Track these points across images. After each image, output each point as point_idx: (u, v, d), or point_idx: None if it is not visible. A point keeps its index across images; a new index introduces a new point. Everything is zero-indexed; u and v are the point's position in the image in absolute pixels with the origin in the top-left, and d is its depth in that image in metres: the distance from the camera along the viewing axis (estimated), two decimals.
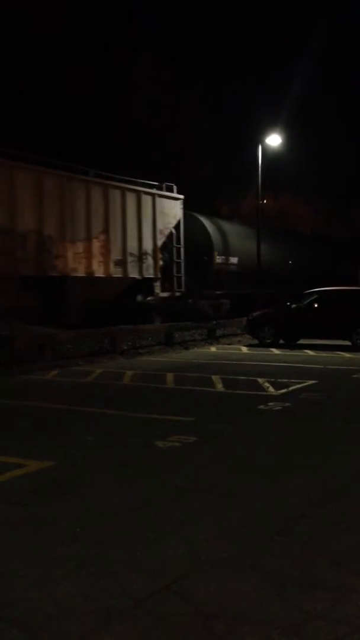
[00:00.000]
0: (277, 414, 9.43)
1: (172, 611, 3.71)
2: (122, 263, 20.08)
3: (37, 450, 7.24)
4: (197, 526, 4.99)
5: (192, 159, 39.99)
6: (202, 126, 40.64)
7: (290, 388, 11.56)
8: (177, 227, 22.77)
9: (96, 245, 18.98)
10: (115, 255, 19.77)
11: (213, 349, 19.47)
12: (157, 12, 47.62)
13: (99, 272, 19.17)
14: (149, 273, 21.31)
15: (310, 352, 17.54)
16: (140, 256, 20.82)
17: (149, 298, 21.37)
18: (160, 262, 21.91)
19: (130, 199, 20.41)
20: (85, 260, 18.65)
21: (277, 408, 9.80)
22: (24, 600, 3.86)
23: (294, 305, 19.25)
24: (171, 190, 22.61)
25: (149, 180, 21.77)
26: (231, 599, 3.85)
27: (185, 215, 23.51)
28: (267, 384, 11.91)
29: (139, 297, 21.03)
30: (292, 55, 70.76)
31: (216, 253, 25.60)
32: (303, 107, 48.44)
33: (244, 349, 18.99)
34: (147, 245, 21.18)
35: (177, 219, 22.76)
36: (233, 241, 27.22)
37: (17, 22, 31.96)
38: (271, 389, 11.46)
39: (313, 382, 12.26)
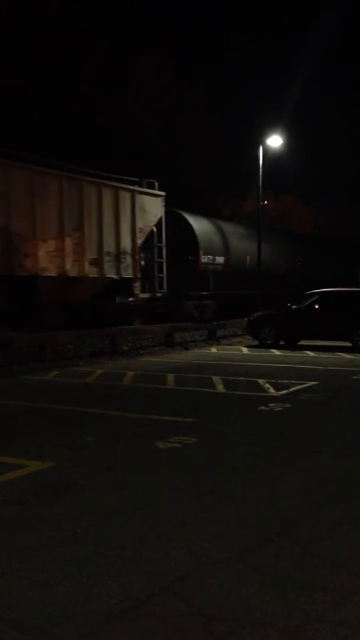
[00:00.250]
0: (277, 415, 9.42)
1: (173, 612, 3.70)
2: (98, 262, 19.03)
3: (37, 451, 7.24)
4: (197, 527, 4.98)
5: (193, 159, 40.01)
6: (202, 127, 40.67)
7: (291, 389, 11.55)
8: (158, 225, 21.66)
9: (70, 243, 17.93)
10: (91, 254, 18.74)
11: (213, 349, 19.46)
12: (159, 12, 47.74)
13: (72, 271, 18.12)
14: (128, 273, 20.29)
15: (311, 353, 17.53)
16: (118, 255, 19.80)
17: (130, 299, 20.47)
18: (142, 262, 20.95)
19: (107, 195, 19.37)
20: (57, 259, 17.59)
21: (278, 409, 9.79)
22: (24, 601, 3.85)
23: (294, 307, 19.25)
24: (152, 187, 21.60)
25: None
26: (232, 600, 3.84)
27: (170, 213, 22.65)
28: (267, 385, 11.91)
29: (118, 299, 20.21)
30: (293, 55, 70.84)
31: (202, 252, 24.58)
32: (304, 107, 48.52)
33: (245, 350, 18.98)
34: (126, 243, 20.16)
35: (159, 216, 21.67)
36: (220, 240, 26.27)
37: (18, 20, 31.97)
38: (272, 390, 11.45)
39: (314, 383, 12.26)
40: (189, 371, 14.12)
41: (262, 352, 18.04)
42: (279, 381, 12.30)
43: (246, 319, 21.22)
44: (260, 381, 12.34)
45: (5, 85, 30.66)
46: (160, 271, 21.81)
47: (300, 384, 12.01)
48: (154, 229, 21.47)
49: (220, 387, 11.89)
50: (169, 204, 22.51)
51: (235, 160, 40.85)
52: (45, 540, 4.75)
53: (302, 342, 19.48)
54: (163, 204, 21.87)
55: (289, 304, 19.56)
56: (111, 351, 17.48)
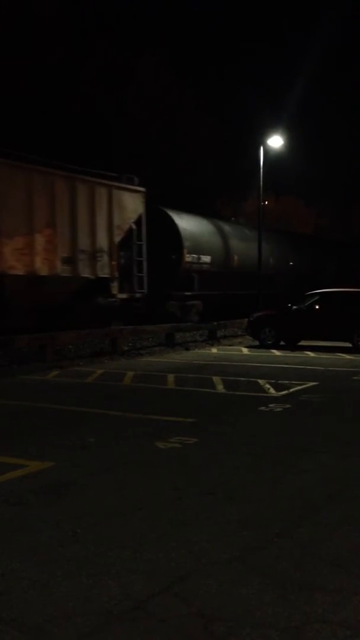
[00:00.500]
0: (277, 415, 9.42)
1: (173, 613, 3.70)
2: (71, 261, 17.87)
3: (37, 451, 7.23)
4: (197, 527, 4.98)
5: (193, 159, 40.01)
6: (203, 127, 40.66)
7: (291, 389, 11.55)
8: (138, 222, 20.39)
9: (40, 240, 16.84)
10: (63, 252, 17.61)
11: (214, 350, 19.46)
12: (159, 12, 47.77)
13: (43, 270, 16.99)
14: (104, 272, 19.08)
15: (311, 354, 17.53)
16: (94, 253, 18.64)
17: (109, 300, 19.42)
18: (122, 260, 19.82)
19: (82, 191, 18.23)
20: (26, 257, 16.48)
21: (278, 409, 9.79)
22: (24, 601, 3.85)
23: (294, 307, 19.25)
24: (132, 182, 20.34)
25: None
26: (232, 600, 3.84)
27: (152, 210, 21.70)
28: (267, 386, 11.91)
29: (101, 299, 19.09)
30: (294, 56, 70.91)
31: (186, 251, 23.57)
32: (305, 108, 48.56)
33: (245, 350, 18.98)
34: (102, 241, 18.95)
35: (138, 213, 20.40)
36: (206, 239, 25.27)
37: (18, 20, 31.99)
38: (272, 391, 11.45)
39: (314, 383, 12.25)
40: (189, 371, 14.12)
41: (262, 353, 18.04)
42: (279, 382, 12.30)
43: (246, 319, 21.21)
44: (261, 382, 12.34)
45: (5, 85, 30.66)
46: (140, 270, 20.58)
47: (300, 385, 12.01)
48: (134, 226, 20.29)
49: (220, 388, 11.89)
50: (163, 203, 21.92)
51: (236, 160, 40.87)
52: (45, 540, 4.75)
53: (303, 343, 19.48)
54: (143, 200, 20.68)
55: (289, 305, 19.57)
56: (111, 351, 17.47)
